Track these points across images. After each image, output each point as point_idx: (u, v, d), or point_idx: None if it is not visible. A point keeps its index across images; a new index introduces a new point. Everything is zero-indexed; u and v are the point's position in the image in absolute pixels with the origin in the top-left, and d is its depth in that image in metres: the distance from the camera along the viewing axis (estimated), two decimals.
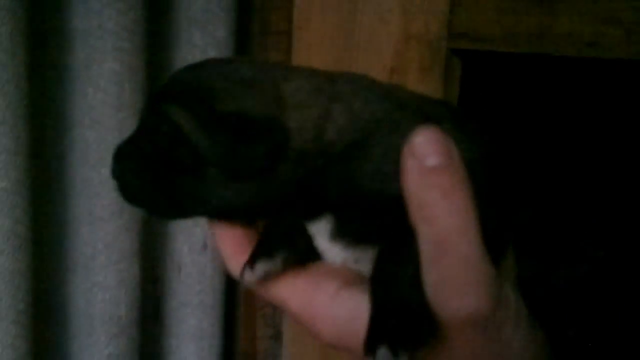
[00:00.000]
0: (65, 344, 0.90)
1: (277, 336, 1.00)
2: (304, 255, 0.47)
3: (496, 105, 1.01)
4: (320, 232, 0.47)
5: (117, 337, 0.89)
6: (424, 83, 0.88)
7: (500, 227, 0.47)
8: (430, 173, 0.39)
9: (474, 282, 0.40)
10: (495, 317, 0.40)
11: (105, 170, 0.83)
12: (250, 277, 0.45)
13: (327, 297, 0.44)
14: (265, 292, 0.46)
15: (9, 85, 0.72)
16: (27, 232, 0.77)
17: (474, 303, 0.40)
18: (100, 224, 0.85)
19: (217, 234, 0.48)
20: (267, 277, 0.45)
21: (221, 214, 0.48)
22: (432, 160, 0.39)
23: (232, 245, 0.47)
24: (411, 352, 0.40)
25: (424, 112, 0.48)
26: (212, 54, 0.94)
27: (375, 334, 0.41)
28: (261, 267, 0.45)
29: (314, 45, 0.95)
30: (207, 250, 0.95)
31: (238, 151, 0.44)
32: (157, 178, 0.47)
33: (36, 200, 0.79)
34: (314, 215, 0.46)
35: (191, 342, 0.97)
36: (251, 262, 0.46)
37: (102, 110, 0.83)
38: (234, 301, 1.02)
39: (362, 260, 0.47)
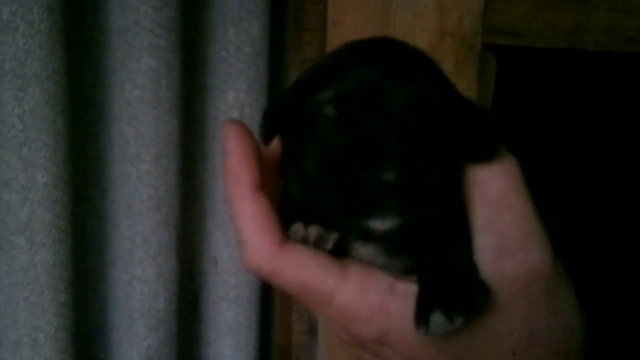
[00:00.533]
0: (105, 336, 0.92)
1: (312, 330, 1.01)
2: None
3: (531, 102, 1.01)
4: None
5: (155, 330, 0.91)
6: (458, 80, 0.88)
7: None
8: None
9: (535, 236, 0.40)
10: (554, 274, 0.41)
11: (143, 165, 0.85)
12: (298, 235, 0.43)
13: (383, 289, 0.43)
14: (304, 283, 0.43)
15: (48, 81, 0.73)
16: (67, 225, 0.79)
17: (539, 255, 0.40)
18: (139, 218, 0.87)
19: (243, 211, 0.44)
20: (318, 244, 0.43)
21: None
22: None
23: (258, 227, 0.43)
24: (467, 317, 0.39)
25: None
26: (246, 50, 0.95)
27: (428, 301, 0.40)
28: (314, 231, 0.43)
29: (348, 41, 0.95)
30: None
31: (492, 136, 0.43)
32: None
33: (76, 195, 0.81)
34: None
35: (228, 335, 0.98)
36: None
37: (139, 107, 0.84)
38: (270, 295, 1.03)
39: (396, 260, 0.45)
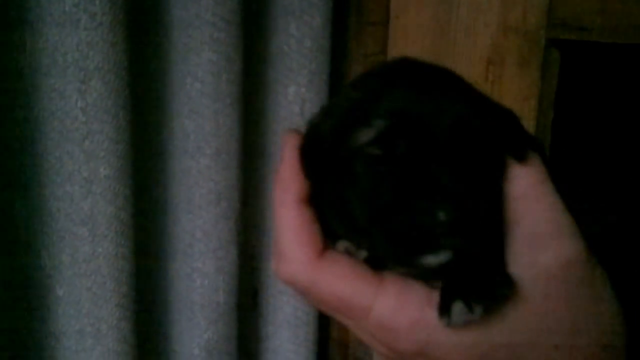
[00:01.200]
0: (165, 328, 0.93)
1: None
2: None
3: (596, 99, 0.98)
4: None
5: (215, 323, 0.91)
6: (521, 75, 0.86)
7: None
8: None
9: (567, 226, 0.40)
10: (589, 264, 0.40)
11: (203, 159, 0.85)
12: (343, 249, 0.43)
13: (422, 301, 0.42)
14: (340, 295, 0.43)
15: (110, 74, 0.74)
16: (129, 218, 0.80)
17: (572, 245, 0.40)
18: (199, 212, 0.88)
19: (285, 220, 0.45)
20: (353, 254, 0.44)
21: None
22: None
23: (297, 238, 0.44)
24: (487, 306, 0.39)
25: None
26: (307, 44, 0.95)
27: (450, 292, 0.40)
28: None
29: (411, 35, 0.94)
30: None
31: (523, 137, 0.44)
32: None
33: (137, 188, 0.82)
34: None
35: (286, 330, 0.98)
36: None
37: (200, 100, 0.85)
38: None
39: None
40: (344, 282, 0.42)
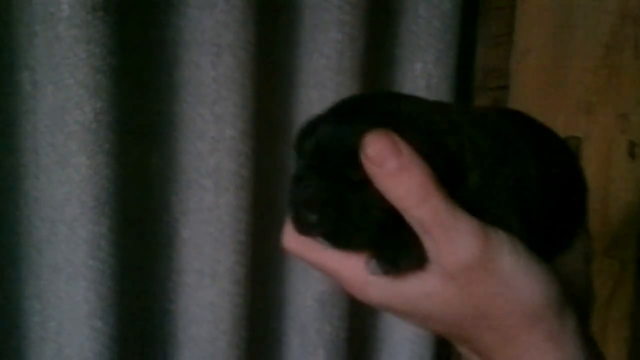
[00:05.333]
0: (281, 277, 1.00)
1: None
2: None
3: None
4: None
5: None
6: (635, 66, 0.86)
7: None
8: (390, 177, 0.44)
9: (460, 239, 0.44)
10: (489, 259, 0.44)
11: None
12: None
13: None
14: (318, 261, 0.49)
15: (240, 50, 0.84)
16: (249, 174, 0.90)
17: (465, 253, 0.44)
18: None
19: None
20: None
21: None
22: (387, 165, 0.44)
23: None
24: (385, 271, 0.45)
25: None
26: (436, 25, 1.00)
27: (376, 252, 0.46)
28: None
29: (534, 20, 0.97)
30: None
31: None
32: None
33: (260, 148, 0.92)
34: None
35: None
36: None
37: (324, 74, 0.93)
38: None
39: None
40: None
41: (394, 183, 0.44)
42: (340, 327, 1.02)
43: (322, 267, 0.48)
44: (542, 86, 1.00)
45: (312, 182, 0.46)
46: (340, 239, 0.46)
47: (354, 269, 0.47)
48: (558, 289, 0.46)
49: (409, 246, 0.45)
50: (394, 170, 0.44)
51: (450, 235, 0.44)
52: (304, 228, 0.46)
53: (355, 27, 0.92)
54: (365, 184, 0.45)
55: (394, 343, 1.08)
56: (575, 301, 0.48)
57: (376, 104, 0.48)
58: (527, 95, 1.02)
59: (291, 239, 0.49)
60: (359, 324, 1.06)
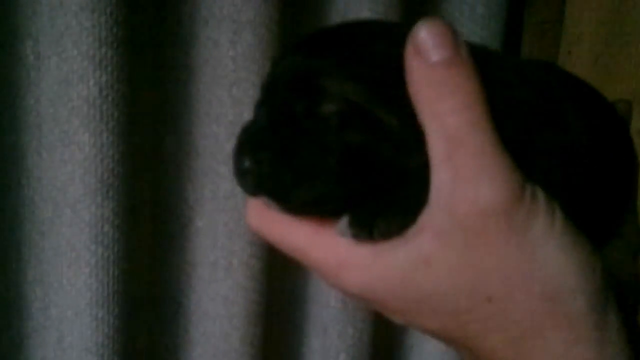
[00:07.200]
0: (302, 276, 0.96)
1: None
2: None
3: None
4: None
5: None
6: None
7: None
8: (435, 69, 0.36)
9: (489, 172, 0.36)
10: (517, 212, 0.36)
11: None
12: None
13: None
14: (281, 238, 0.41)
15: (261, 27, 0.78)
16: None
17: (491, 192, 0.36)
18: None
19: None
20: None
21: None
22: (437, 55, 0.36)
23: None
24: (355, 235, 0.38)
25: None
26: (480, 11, 0.94)
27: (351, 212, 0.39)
28: None
29: (586, 5, 0.92)
30: None
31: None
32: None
33: None
34: None
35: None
36: None
37: None
38: None
39: None
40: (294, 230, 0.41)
41: (438, 76, 0.36)
42: (365, 331, 0.95)
43: (287, 247, 0.40)
44: (593, 76, 0.93)
45: (258, 121, 0.39)
46: (284, 193, 0.38)
47: (326, 247, 0.39)
48: (602, 276, 0.38)
49: (395, 207, 0.37)
50: (444, 60, 0.36)
51: (478, 164, 0.36)
52: (239, 180, 0.38)
53: (390, 8, 0.86)
54: (325, 122, 0.37)
55: (423, 351, 1.01)
56: (619, 296, 0.39)
57: (353, 38, 0.40)
58: None
59: (253, 212, 0.41)
60: (384, 328, 0.99)
